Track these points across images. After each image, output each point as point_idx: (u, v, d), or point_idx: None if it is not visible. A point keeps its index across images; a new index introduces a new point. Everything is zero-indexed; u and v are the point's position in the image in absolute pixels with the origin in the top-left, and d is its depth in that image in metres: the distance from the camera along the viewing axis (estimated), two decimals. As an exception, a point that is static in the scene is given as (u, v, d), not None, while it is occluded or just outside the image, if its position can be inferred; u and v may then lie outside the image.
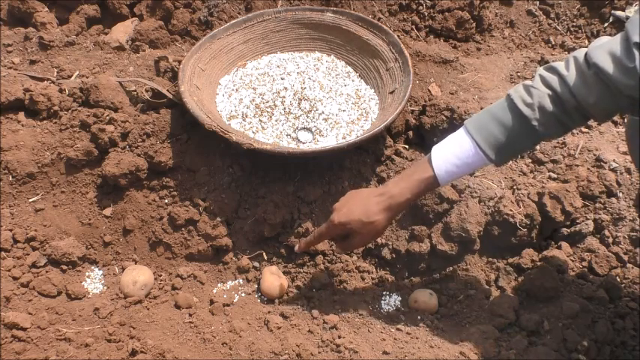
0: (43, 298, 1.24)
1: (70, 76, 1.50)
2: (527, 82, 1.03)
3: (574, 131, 1.60)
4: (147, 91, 1.45)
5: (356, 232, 1.14)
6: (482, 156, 1.05)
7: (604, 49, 0.92)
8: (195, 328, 1.21)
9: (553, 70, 1.00)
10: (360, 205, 1.14)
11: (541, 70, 1.02)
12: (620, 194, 1.43)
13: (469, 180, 1.40)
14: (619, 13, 1.87)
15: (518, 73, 1.71)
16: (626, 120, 1.17)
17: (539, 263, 1.33)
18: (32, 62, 1.53)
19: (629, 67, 0.89)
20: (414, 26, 1.79)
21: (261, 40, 1.61)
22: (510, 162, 1.55)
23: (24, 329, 1.13)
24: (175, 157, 1.38)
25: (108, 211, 1.37)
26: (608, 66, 0.91)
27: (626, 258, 1.36)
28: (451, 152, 1.08)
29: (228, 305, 1.29)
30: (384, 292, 1.34)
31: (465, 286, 1.33)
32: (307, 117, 1.43)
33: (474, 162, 1.07)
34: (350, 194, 1.20)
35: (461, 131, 1.08)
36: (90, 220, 1.36)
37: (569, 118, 1.00)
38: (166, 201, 1.37)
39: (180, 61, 1.47)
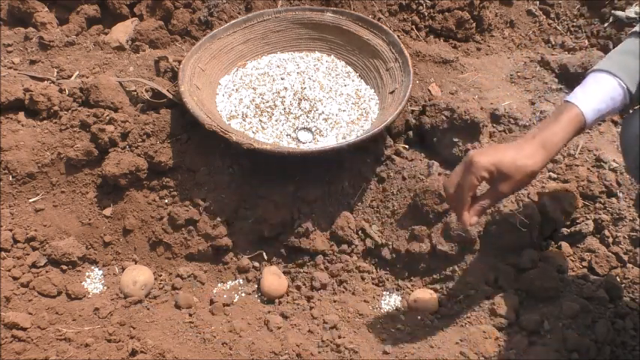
0: (43, 298, 1.24)
1: (70, 76, 1.50)
2: None
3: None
4: (147, 91, 1.45)
5: (506, 176, 0.99)
6: (626, 93, 1.02)
7: None
8: (195, 328, 1.21)
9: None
10: (507, 147, 1.01)
11: None
12: (620, 194, 1.43)
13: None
14: (619, 13, 1.87)
15: (519, 73, 1.71)
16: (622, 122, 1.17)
17: (539, 263, 1.33)
18: (32, 62, 1.53)
19: None
20: (414, 26, 1.79)
21: (261, 40, 1.61)
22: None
23: (24, 329, 1.13)
24: (175, 157, 1.38)
25: (108, 211, 1.37)
26: None
27: (626, 258, 1.36)
28: (594, 91, 1.02)
29: (228, 305, 1.29)
30: (384, 292, 1.34)
31: (465, 286, 1.33)
32: (307, 117, 1.43)
33: (619, 100, 1.02)
34: (504, 150, 1.02)
35: (590, 74, 1.04)
36: (90, 220, 1.36)
37: None
38: (166, 201, 1.37)
39: (180, 61, 1.47)
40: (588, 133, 1.60)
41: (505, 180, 1.00)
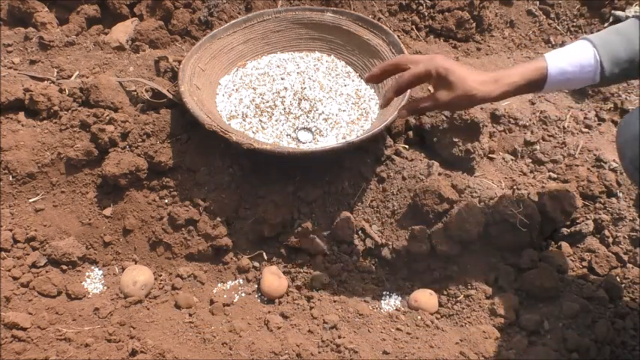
0: (43, 298, 1.24)
1: (70, 76, 1.50)
2: None
3: (574, 131, 1.60)
4: (147, 91, 1.45)
5: (450, 85, 1.03)
6: (597, 68, 1.03)
7: None
8: (195, 328, 1.21)
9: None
10: (467, 67, 1.06)
11: None
12: (620, 194, 1.43)
13: (469, 180, 1.41)
14: (619, 13, 1.87)
15: (518, 73, 1.71)
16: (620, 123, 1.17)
17: (539, 263, 1.33)
18: (32, 62, 1.53)
19: None
20: (414, 26, 1.79)
21: (261, 40, 1.61)
22: (509, 161, 1.55)
23: (24, 329, 1.13)
24: (175, 157, 1.38)
25: (108, 211, 1.37)
26: None
27: (626, 258, 1.36)
28: (569, 54, 1.05)
29: (228, 305, 1.29)
30: (384, 292, 1.34)
31: (465, 286, 1.33)
32: (307, 117, 1.43)
33: (588, 69, 1.03)
34: (459, 64, 1.07)
35: (579, 41, 1.06)
36: (90, 220, 1.36)
37: None
38: (166, 201, 1.37)
39: (180, 61, 1.47)
40: (588, 133, 1.60)
41: (448, 89, 1.03)
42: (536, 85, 1.05)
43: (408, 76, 1.06)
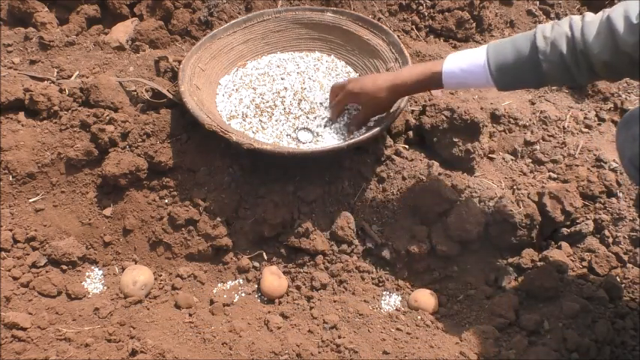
0: (43, 298, 1.24)
1: (70, 76, 1.50)
2: (560, 20, 1.07)
3: (574, 131, 1.60)
4: (147, 91, 1.45)
5: (363, 104, 1.33)
6: (487, 71, 1.11)
7: (623, 5, 0.97)
8: (195, 328, 1.21)
9: (581, 16, 1.03)
10: (371, 80, 1.31)
11: (575, 15, 1.06)
12: (620, 194, 1.43)
13: (469, 180, 1.41)
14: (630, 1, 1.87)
15: (518, 73, 1.71)
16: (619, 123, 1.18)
17: (539, 263, 1.33)
18: (32, 62, 1.53)
19: (633, 22, 0.93)
20: (414, 26, 1.79)
21: (261, 40, 1.61)
22: (509, 162, 1.55)
23: (24, 329, 1.13)
24: (175, 157, 1.38)
25: (108, 211, 1.37)
26: (618, 19, 0.96)
27: (626, 258, 1.36)
28: (463, 58, 1.15)
29: (228, 305, 1.29)
30: (384, 292, 1.34)
31: (465, 286, 1.33)
32: (307, 117, 1.43)
33: (477, 75, 1.13)
34: (367, 75, 1.46)
35: (482, 47, 1.14)
36: (90, 220, 1.36)
37: (576, 64, 1.02)
38: (166, 201, 1.37)
39: (180, 61, 1.47)
40: (588, 133, 1.60)
41: (362, 108, 1.35)
42: (432, 84, 1.21)
43: (335, 104, 1.40)
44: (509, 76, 1.10)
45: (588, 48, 0.99)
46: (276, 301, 1.32)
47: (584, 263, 1.37)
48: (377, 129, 1.31)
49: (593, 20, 1.01)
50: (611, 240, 1.38)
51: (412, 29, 1.79)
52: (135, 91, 1.46)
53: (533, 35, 1.06)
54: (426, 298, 1.30)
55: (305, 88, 1.48)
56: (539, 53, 1.04)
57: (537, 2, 1.92)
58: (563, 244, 1.38)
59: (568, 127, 1.61)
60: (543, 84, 1.12)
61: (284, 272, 1.35)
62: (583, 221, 1.39)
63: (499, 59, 1.09)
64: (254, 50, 1.60)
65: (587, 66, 1.01)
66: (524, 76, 1.09)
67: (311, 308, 1.28)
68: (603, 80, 1.08)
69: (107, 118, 1.37)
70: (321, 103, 1.45)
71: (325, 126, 1.42)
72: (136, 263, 1.35)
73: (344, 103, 1.38)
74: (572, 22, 1.03)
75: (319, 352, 1.17)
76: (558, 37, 1.03)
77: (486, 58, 1.11)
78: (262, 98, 1.46)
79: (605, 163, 1.48)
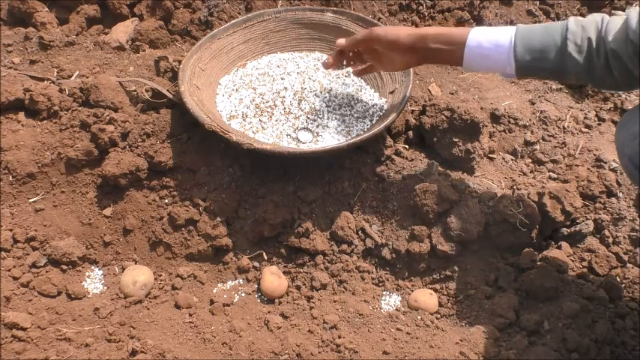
0: (43, 298, 1.24)
1: (70, 76, 1.50)
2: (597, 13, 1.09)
3: (574, 131, 1.60)
4: (147, 91, 1.45)
5: (382, 47, 1.26)
6: (511, 48, 1.10)
7: None
8: (195, 328, 1.21)
9: (617, 12, 1.07)
10: (395, 27, 1.32)
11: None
12: (620, 194, 1.43)
13: (469, 180, 1.41)
14: (619, 13, 1.87)
15: (518, 73, 1.71)
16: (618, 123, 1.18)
17: (539, 263, 1.33)
18: (32, 62, 1.53)
19: None
20: (414, 26, 1.79)
21: (261, 40, 1.61)
22: (511, 161, 1.55)
23: (24, 329, 1.13)
24: (175, 157, 1.38)
25: (108, 211, 1.37)
26: (633, 13, 0.98)
27: (626, 258, 1.36)
28: (491, 31, 1.13)
29: (228, 305, 1.29)
30: (384, 292, 1.34)
31: (465, 286, 1.33)
32: (307, 117, 1.43)
33: (501, 50, 1.11)
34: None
35: (512, 26, 1.13)
36: (90, 220, 1.36)
37: (597, 50, 1.04)
38: (166, 201, 1.37)
39: (180, 61, 1.48)
40: (588, 133, 1.60)
41: (379, 45, 1.27)
42: (455, 52, 1.16)
43: (347, 42, 1.32)
44: (532, 56, 1.09)
45: (605, 35, 1.03)
46: (276, 301, 1.32)
47: (584, 263, 1.37)
48: (377, 129, 1.31)
49: (622, 15, 1.05)
50: (611, 240, 1.38)
51: (412, 29, 1.79)
52: (135, 91, 1.46)
53: (566, 21, 1.08)
54: (426, 298, 1.30)
55: (305, 89, 1.48)
56: (569, 33, 1.05)
57: (537, 2, 1.92)
58: (563, 244, 1.38)
59: (568, 127, 1.61)
60: (563, 72, 1.10)
61: (284, 272, 1.35)
62: (583, 221, 1.39)
63: (527, 37, 1.09)
64: (254, 50, 1.61)
65: (605, 53, 1.04)
66: (547, 57, 1.08)
67: (311, 308, 1.28)
68: (616, 85, 1.08)
69: (107, 118, 1.37)
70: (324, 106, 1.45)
71: (317, 69, 1.41)
72: (136, 263, 1.35)
73: (358, 44, 1.31)
74: (605, 15, 1.06)
75: (319, 352, 1.17)
76: (589, 23, 1.05)
77: (514, 34, 1.10)
78: (262, 98, 1.46)
79: (605, 163, 1.48)
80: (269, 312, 1.27)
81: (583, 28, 1.06)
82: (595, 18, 1.07)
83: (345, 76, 1.56)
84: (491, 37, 1.12)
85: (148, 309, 1.25)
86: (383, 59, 1.29)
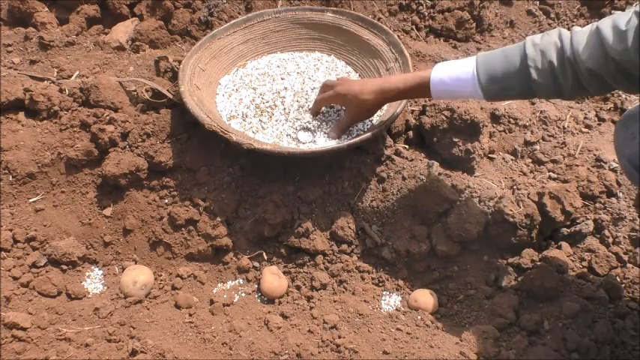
0: (43, 298, 1.24)
1: (70, 76, 1.50)
2: (549, 31, 1.08)
3: (574, 131, 1.60)
4: (147, 91, 1.45)
5: (349, 106, 1.32)
6: (475, 80, 1.11)
7: (611, 17, 0.99)
8: (195, 328, 1.21)
9: (570, 29, 1.05)
10: (360, 83, 1.32)
11: (563, 29, 1.07)
12: (620, 194, 1.43)
13: (469, 180, 1.41)
14: (619, 13, 1.87)
15: (518, 73, 1.71)
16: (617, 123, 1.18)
17: (539, 263, 1.33)
18: (32, 62, 1.53)
19: (621, 29, 0.95)
20: (414, 26, 1.79)
21: (261, 40, 1.61)
22: (509, 164, 1.55)
23: (24, 329, 1.13)
24: (175, 157, 1.38)
25: (108, 211, 1.37)
26: (607, 28, 0.97)
27: (626, 258, 1.36)
28: (452, 67, 1.15)
29: (228, 305, 1.29)
30: (384, 292, 1.34)
31: (465, 286, 1.33)
32: (307, 117, 1.43)
33: (465, 83, 1.13)
34: (358, 79, 1.46)
35: (470, 57, 1.15)
36: (90, 220, 1.36)
37: (563, 72, 1.03)
38: (166, 201, 1.37)
39: (180, 61, 1.47)
40: (588, 133, 1.60)
41: (347, 110, 1.34)
42: (421, 92, 1.21)
43: (319, 99, 1.38)
44: (498, 85, 1.10)
45: (576, 56, 1.00)
46: (276, 301, 1.32)
47: (584, 263, 1.37)
48: (377, 129, 1.31)
49: (582, 31, 1.02)
50: (611, 240, 1.38)
51: (412, 29, 1.79)
52: (135, 91, 1.46)
53: (523, 44, 1.07)
54: (426, 298, 1.30)
55: (305, 88, 1.48)
56: (529, 60, 1.05)
57: (537, 2, 1.92)
58: (563, 244, 1.38)
59: (568, 127, 1.61)
60: (531, 94, 1.11)
61: (284, 272, 1.35)
62: (583, 221, 1.39)
63: (488, 68, 1.10)
64: (254, 50, 1.61)
65: (574, 74, 1.02)
66: (512, 84, 1.09)
67: (311, 308, 1.28)
68: (588, 94, 1.09)
69: (107, 118, 1.37)
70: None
71: (306, 122, 1.42)
72: (136, 263, 1.35)
73: (328, 101, 1.38)
74: (562, 33, 1.04)
75: (319, 352, 1.17)
76: (548, 45, 1.04)
77: (475, 66, 1.11)
78: (262, 98, 1.46)
79: (605, 163, 1.48)
80: (269, 312, 1.27)
81: (542, 52, 1.04)
82: (552, 38, 1.04)
83: (345, 77, 1.56)
84: (451, 74, 1.14)
85: (148, 309, 1.25)
86: (352, 111, 1.33)
